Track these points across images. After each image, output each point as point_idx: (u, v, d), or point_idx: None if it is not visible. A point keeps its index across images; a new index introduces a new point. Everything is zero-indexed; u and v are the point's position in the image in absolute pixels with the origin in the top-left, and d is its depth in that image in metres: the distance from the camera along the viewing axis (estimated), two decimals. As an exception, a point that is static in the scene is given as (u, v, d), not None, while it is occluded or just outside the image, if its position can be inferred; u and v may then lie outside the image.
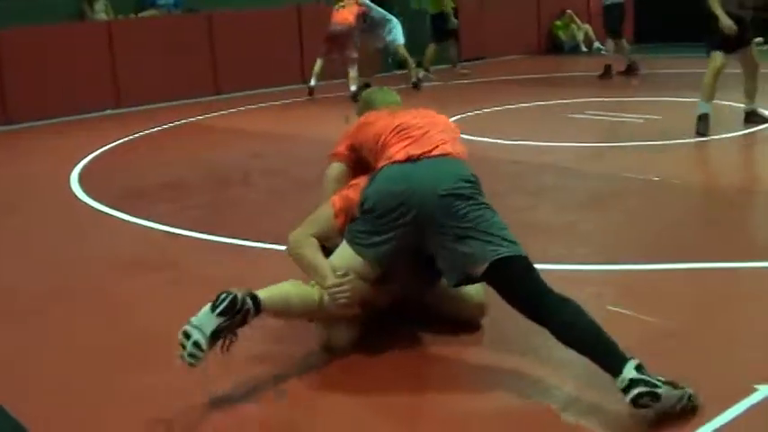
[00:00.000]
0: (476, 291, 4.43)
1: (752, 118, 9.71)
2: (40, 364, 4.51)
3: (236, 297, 3.82)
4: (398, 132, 4.35)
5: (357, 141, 4.60)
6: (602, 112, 11.40)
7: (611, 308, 4.64)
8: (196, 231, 6.77)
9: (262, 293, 3.95)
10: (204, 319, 3.79)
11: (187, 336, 3.75)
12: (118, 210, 7.62)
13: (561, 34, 20.70)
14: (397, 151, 4.23)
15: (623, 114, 11.13)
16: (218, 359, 3.90)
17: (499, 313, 4.26)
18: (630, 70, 15.45)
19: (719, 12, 9.09)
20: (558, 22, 20.77)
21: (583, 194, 7.20)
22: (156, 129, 12.60)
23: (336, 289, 4.07)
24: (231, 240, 6.49)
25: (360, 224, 4.16)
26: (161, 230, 6.94)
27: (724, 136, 9.47)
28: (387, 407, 3.89)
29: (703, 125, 9.31)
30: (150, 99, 14.70)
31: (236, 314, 3.82)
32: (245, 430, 3.74)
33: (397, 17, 16.45)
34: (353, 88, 14.24)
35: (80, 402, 4.04)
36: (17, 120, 13.19)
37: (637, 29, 21.82)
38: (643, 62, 15.77)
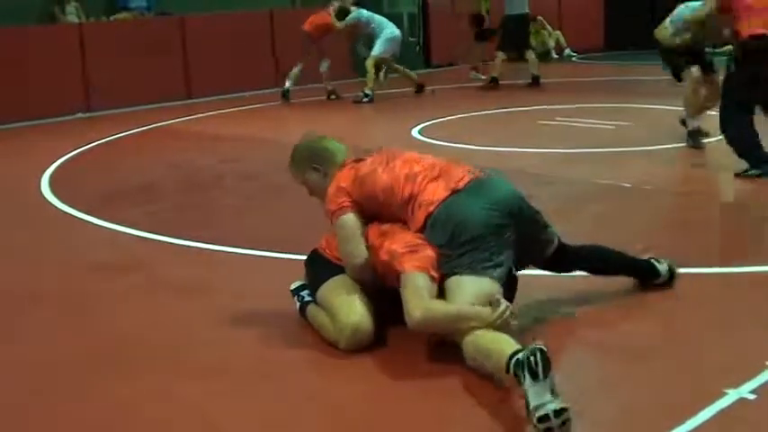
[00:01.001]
0: None
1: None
2: (13, 368, 4.48)
3: (543, 350, 3.53)
4: (414, 180, 4.47)
5: (360, 196, 4.50)
6: (572, 119, 11.45)
7: (580, 311, 4.69)
8: (169, 235, 6.75)
9: None
10: (541, 392, 3.43)
11: (545, 419, 3.38)
12: (89, 214, 7.58)
13: (532, 40, 20.72)
14: (435, 191, 4.41)
15: (594, 121, 11.19)
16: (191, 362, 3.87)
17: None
18: (535, 83, 15.74)
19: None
20: (529, 29, 20.77)
21: (552, 200, 7.20)
22: (127, 132, 12.55)
23: (502, 317, 3.99)
24: (204, 245, 6.47)
25: (474, 254, 4.21)
26: (133, 234, 6.91)
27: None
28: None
29: (694, 140, 9.24)
30: (122, 102, 14.62)
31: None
32: (215, 429, 3.74)
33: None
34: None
35: (55, 407, 4.01)
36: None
37: (607, 35, 21.99)
38: (613, 69, 15.83)
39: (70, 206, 7.93)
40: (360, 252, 4.47)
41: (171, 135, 12.49)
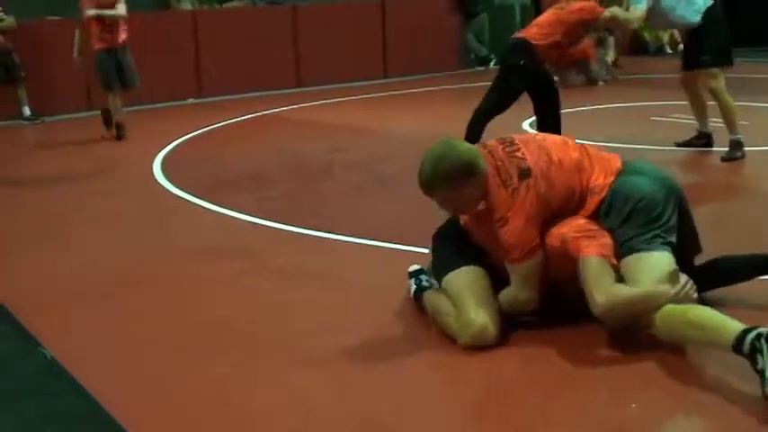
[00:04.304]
0: None
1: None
2: (118, 350, 4.51)
3: None
4: (582, 169, 4.38)
5: (544, 215, 4.27)
6: (687, 116, 11.12)
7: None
8: (276, 222, 6.76)
9: None
10: None
11: None
12: (199, 197, 7.65)
13: (646, 35, 20.39)
14: (600, 176, 4.37)
15: (713, 119, 10.83)
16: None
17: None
18: None
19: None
20: (644, 23, 20.39)
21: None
22: (237, 119, 12.66)
23: (684, 290, 4.02)
24: (311, 232, 6.46)
25: (652, 232, 4.17)
26: (241, 219, 6.96)
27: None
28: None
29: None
30: (232, 89, 14.77)
31: None
32: (314, 418, 3.68)
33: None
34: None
35: (160, 389, 4.02)
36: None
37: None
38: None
39: (181, 189, 8.01)
40: (534, 299, 4.32)
41: (280, 123, 12.56)
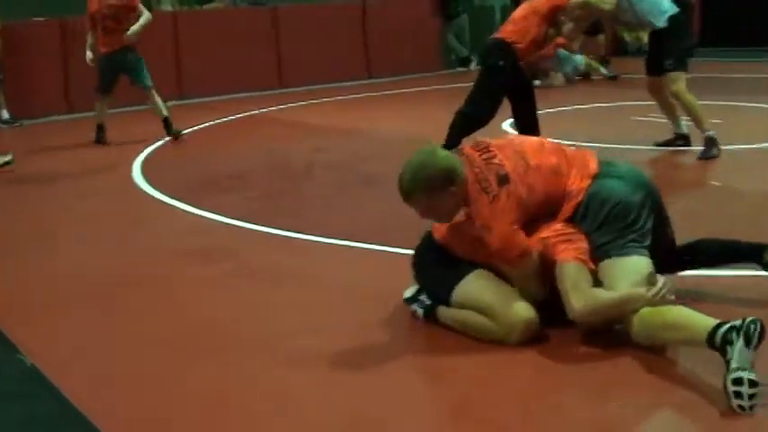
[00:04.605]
0: None
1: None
2: (106, 352, 4.51)
3: (762, 322, 3.57)
4: (560, 173, 4.38)
5: (523, 218, 4.25)
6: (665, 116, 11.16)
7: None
8: (258, 223, 6.77)
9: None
10: (745, 359, 3.50)
11: (739, 382, 3.47)
12: (179, 200, 7.65)
13: (626, 36, 20.42)
14: (576, 179, 4.37)
15: (687, 118, 10.87)
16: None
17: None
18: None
19: None
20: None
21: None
22: (218, 121, 12.66)
23: (661, 293, 4.00)
24: (294, 234, 6.47)
25: (627, 237, 4.20)
26: (222, 221, 6.95)
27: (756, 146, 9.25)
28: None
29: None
30: (214, 91, 14.75)
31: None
32: (304, 418, 3.69)
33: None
34: None
35: (149, 391, 4.02)
36: (79, 109, 13.27)
37: (704, 29, 21.50)
38: (710, 66, 15.43)
39: (161, 192, 8.01)
40: (540, 291, 4.31)
41: (262, 124, 12.57)
